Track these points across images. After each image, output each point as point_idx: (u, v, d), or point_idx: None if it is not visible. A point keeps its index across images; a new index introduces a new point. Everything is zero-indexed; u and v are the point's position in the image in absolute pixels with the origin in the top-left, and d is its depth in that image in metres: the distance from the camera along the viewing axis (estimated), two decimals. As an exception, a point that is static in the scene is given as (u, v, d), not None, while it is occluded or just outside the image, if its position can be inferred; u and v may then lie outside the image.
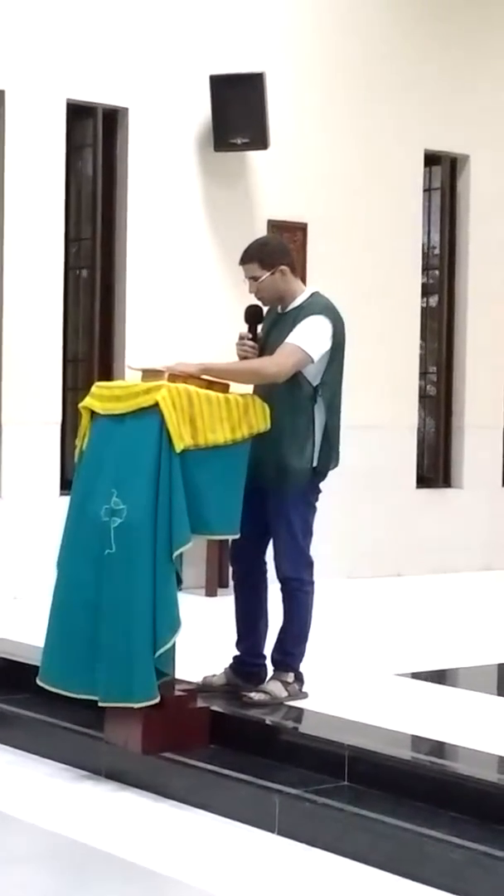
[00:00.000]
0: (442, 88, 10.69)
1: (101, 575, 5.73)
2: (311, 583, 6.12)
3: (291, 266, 6.12)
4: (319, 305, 6.05)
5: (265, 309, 6.18)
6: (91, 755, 6.05)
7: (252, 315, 6.13)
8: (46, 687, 5.94)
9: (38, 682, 5.97)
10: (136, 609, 5.60)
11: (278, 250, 6.16)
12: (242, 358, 6.07)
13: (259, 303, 6.14)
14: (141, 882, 4.91)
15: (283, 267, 6.06)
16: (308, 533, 6.11)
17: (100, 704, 5.77)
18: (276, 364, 5.90)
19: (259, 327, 6.12)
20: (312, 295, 6.12)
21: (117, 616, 5.66)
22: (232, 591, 6.34)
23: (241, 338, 6.10)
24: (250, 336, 6.09)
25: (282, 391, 5.93)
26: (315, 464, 6.01)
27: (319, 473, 6.07)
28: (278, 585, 6.11)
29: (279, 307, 6.13)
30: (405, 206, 10.57)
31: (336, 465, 6.10)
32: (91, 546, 5.77)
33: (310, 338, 5.93)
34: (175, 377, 5.81)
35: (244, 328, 6.12)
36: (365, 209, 10.31)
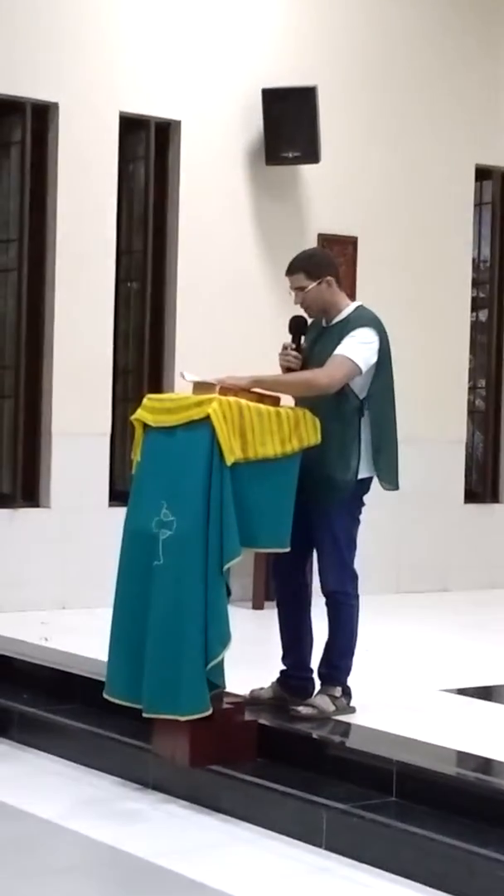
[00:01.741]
0: (493, 102, 10.67)
1: (150, 586, 5.75)
2: (356, 596, 6.12)
3: (337, 278, 6.14)
4: (366, 318, 6.07)
5: (309, 321, 6.20)
6: (139, 767, 6.06)
7: (296, 326, 6.15)
8: (110, 699, 5.95)
9: (104, 695, 5.97)
10: (186, 621, 5.62)
11: (324, 262, 6.20)
12: (286, 368, 6.09)
13: (304, 314, 6.16)
14: (187, 894, 4.92)
15: (328, 278, 6.08)
16: (352, 546, 6.11)
17: (144, 715, 5.78)
18: (328, 375, 5.91)
19: (302, 338, 6.13)
20: (358, 308, 6.15)
21: (166, 628, 5.68)
22: (278, 604, 6.35)
23: (285, 348, 6.12)
24: (294, 347, 6.11)
25: (328, 404, 5.94)
26: (360, 476, 6.01)
27: (364, 486, 6.08)
28: (323, 600, 6.11)
29: (323, 321, 6.15)
30: (456, 221, 10.56)
31: (394, 484, 6.07)
32: (141, 557, 5.79)
33: (358, 350, 5.95)
34: (226, 390, 5.83)
35: (289, 339, 6.13)
36: (415, 223, 10.30)
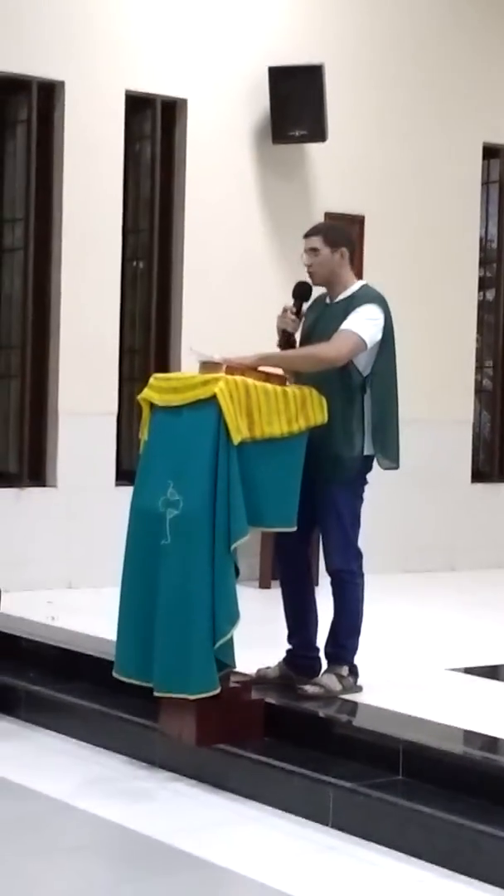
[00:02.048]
0: (500, 80, 10.63)
1: (158, 565, 5.75)
2: (362, 574, 6.12)
3: (352, 254, 6.15)
4: (371, 296, 6.09)
5: (313, 295, 6.19)
6: (146, 746, 6.07)
7: (300, 291, 6.16)
8: (120, 678, 5.95)
9: (114, 674, 5.98)
10: (194, 600, 5.62)
11: (344, 234, 6.28)
12: (281, 330, 6.09)
13: (309, 281, 6.15)
14: (195, 872, 4.93)
15: (343, 249, 6.11)
16: (356, 524, 6.12)
17: (155, 694, 5.79)
18: (335, 349, 5.92)
19: (304, 305, 6.13)
20: (363, 287, 6.17)
21: (174, 607, 5.68)
22: (284, 583, 6.35)
23: (285, 311, 6.11)
24: (294, 310, 6.10)
25: (332, 381, 5.94)
26: (364, 454, 6.02)
27: (368, 464, 6.08)
28: (328, 579, 6.12)
29: (327, 298, 6.14)
30: (463, 199, 10.52)
31: (395, 462, 6.08)
32: (148, 537, 5.80)
33: (364, 325, 5.96)
34: (233, 369, 5.83)
35: (289, 302, 6.13)
36: (422, 202, 10.27)
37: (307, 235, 6.15)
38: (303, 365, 6.01)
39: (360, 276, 9.42)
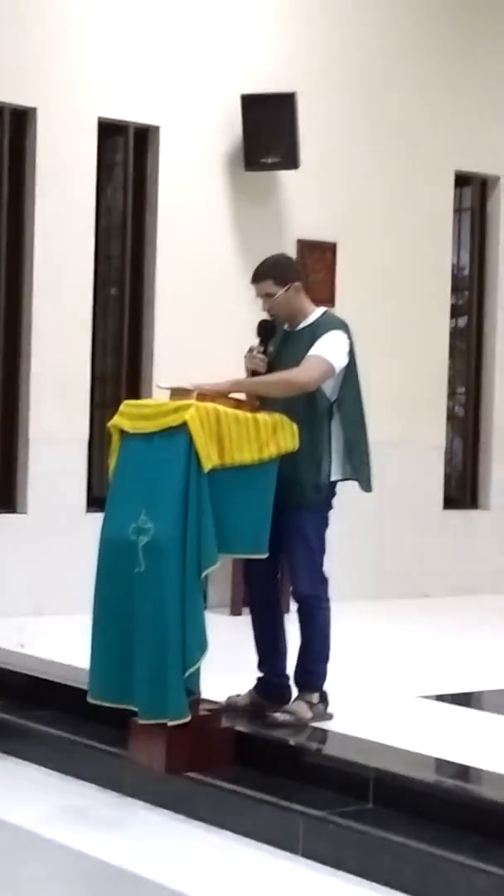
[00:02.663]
0: (473, 109, 10.68)
1: (133, 593, 5.74)
2: (328, 599, 6.12)
3: (304, 283, 6.16)
4: (336, 322, 6.12)
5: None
6: (115, 774, 6.04)
7: (265, 330, 6.16)
8: (97, 703, 5.93)
9: (89, 699, 5.95)
10: (166, 628, 5.61)
11: (291, 268, 6.24)
12: (251, 371, 6.09)
13: (270, 319, 6.16)
14: (164, 902, 4.90)
15: (296, 283, 6.11)
16: (323, 550, 6.12)
17: (140, 722, 5.76)
18: (306, 374, 5.92)
19: (270, 345, 6.13)
20: (324, 314, 6.19)
21: (150, 634, 5.68)
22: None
23: (251, 350, 6.12)
24: (261, 350, 6.11)
25: (298, 407, 5.95)
26: (332, 479, 6.02)
27: (333, 489, 6.10)
28: (294, 606, 6.11)
29: (286, 325, 6.16)
30: (435, 227, 10.56)
31: (367, 486, 6.08)
32: (120, 564, 5.79)
33: (332, 350, 5.98)
34: (203, 396, 5.82)
35: (255, 342, 6.13)
36: (394, 229, 10.30)
37: (255, 281, 6.11)
38: (275, 390, 6.01)
39: (332, 303, 9.54)
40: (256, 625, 6.21)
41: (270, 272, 6.11)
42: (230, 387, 5.94)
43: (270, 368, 6.08)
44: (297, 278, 6.14)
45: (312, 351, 5.96)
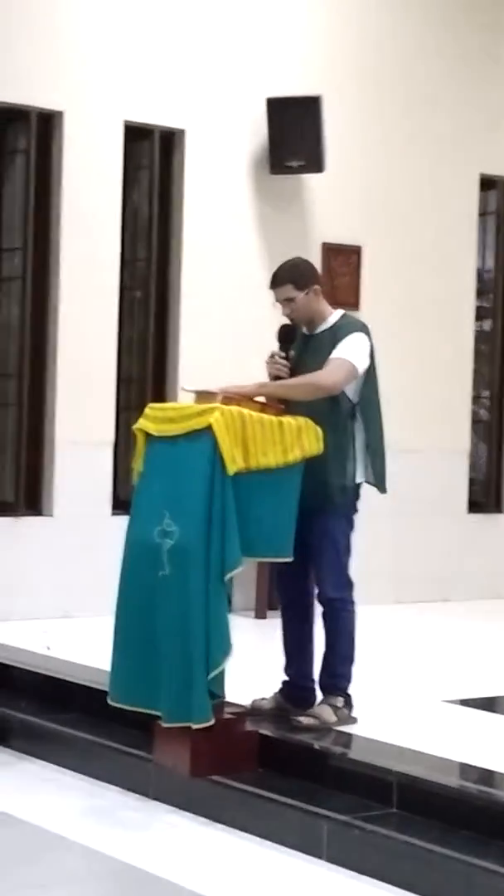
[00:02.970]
0: (498, 112, 10.67)
1: (157, 596, 5.75)
2: (353, 602, 6.12)
3: (319, 283, 6.18)
4: (357, 325, 6.13)
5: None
6: (139, 777, 6.05)
7: (286, 334, 6.16)
8: (118, 706, 5.94)
9: (109, 701, 5.97)
10: (191, 631, 5.62)
11: (309, 271, 6.23)
12: (275, 376, 6.08)
13: (291, 323, 6.16)
14: (188, 905, 4.91)
15: (315, 287, 6.13)
16: (349, 552, 6.13)
17: (163, 726, 5.77)
18: (332, 377, 5.94)
19: (291, 350, 6.13)
20: (343, 316, 6.20)
21: (174, 638, 5.69)
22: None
23: (272, 356, 6.11)
24: (283, 355, 6.10)
25: (322, 409, 5.95)
26: (356, 481, 6.03)
27: (358, 491, 6.11)
28: (319, 609, 6.11)
29: (305, 329, 6.16)
30: (460, 230, 10.55)
31: (383, 487, 6.10)
32: (145, 567, 5.80)
33: (355, 353, 5.99)
34: (229, 399, 5.83)
35: (275, 347, 6.13)
36: (419, 233, 10.30)
37: (275, 287, 6.12)
38: (300, 394, 6.01)
39: (356, 306, 9.54)
40: (287, 628, 6.22)
41: (290, 276, 6.12)
42: (256, 390, 5.95)
43: (293, 373, 6.09)
44: (317, 281, 6.16)
45: (335, 354, 5.97)
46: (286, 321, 6.18)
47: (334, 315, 6.17)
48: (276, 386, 6.02)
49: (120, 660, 5.95)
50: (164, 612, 5.73)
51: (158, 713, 5.80)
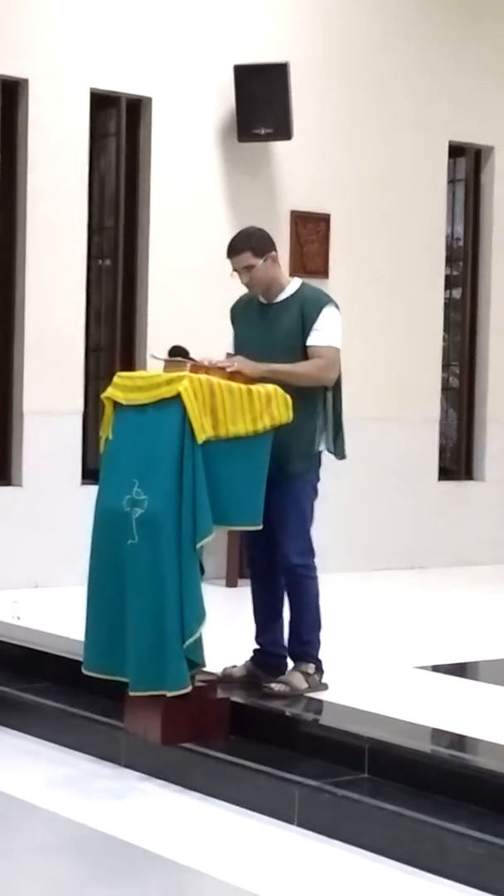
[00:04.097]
0: (466, 79, 10.65)
1: (126, 565, 5.74)
2: (315, 568, 6.13)
3: (274, 249, 6.16)
4: (325, 297, 6.13)
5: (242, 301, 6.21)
6: (111, 745, 6.05)
7: (178, 353, 6.05)
8: (91, 675, 5.94)
9: (83, 670, 5.96)
10: (164, 599, 5.61)
11: (266, 238, 6.20)
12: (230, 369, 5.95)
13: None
14: (161, 872, 4.92)
15: (273, 253, 6.11)
16: (312, 519, 6.13)
17: (130, 694, 5.77)
18: (333, 370, 5.99)
19: (190, 354, 6.02)
20: (303, 286, 6.18)
21: (144, 606, 5.68)
22: (252, 581, 6.35)
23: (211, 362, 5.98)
24: (197, 360, 5.93)
25: None
26: (322, 448, 6.06)
27: (321, 459, 6.12)
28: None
29: (262, 298, 6.14)
30: (429, 198, 10.53)
31: (342, 454, 6.10)
32: (114, 536, 5.79)
33: (336, 333, 6.03)
34: (197, 368, 5.81)
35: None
36: (388, 200, 10.27)
37: (233, 255, 6.09)
38: (305, 382, 5.97)
39: (326, 274, 9.53)
40: (257, 596, 6.22)
41: (247, 244, 6.09)
42: (266, 372, 5.89)
43: (244, 340, 6.08)
44: (273, 248, 6.14)
45: (320, 340, 5.97)
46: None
47: (293, 283, 6.15)
48: (285, 373, 5.94)
49: (92, 628, 5.95)
50: (134, 580, 5.72)
51: (126, 680, 5.79)
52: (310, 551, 6.09)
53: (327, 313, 6.02)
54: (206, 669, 5.92)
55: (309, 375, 5.98)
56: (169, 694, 5.66)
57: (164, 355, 6.07)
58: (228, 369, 5.85)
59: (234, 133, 9.49)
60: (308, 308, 6.02)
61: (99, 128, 9.27)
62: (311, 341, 5.98)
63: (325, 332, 5.99)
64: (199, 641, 5.68)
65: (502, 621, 8.32)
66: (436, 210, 10.60)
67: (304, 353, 5.99)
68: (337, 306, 6.08)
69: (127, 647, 5.75)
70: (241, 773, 5.56)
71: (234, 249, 6.10)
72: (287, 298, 6.09)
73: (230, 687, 6.08)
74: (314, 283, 6.47)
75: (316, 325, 5.98)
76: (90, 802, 5.59)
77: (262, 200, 9.62)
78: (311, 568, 6.08)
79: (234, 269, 6.10)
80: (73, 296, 9.04)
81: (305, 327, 6.00)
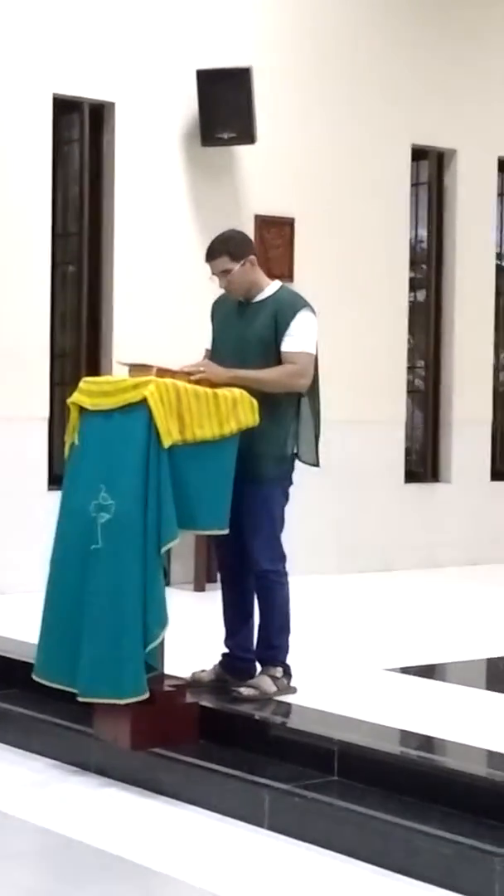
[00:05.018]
0: (429, 83, 10.68)
1: (87, 570, 5.72)
2: (286, 573, 6.13)
3: (254, 253, 6.17)
4: (301, 300, 6.11)
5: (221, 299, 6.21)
6: (80, 751, 6.04)
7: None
8: (40, 681, 5.93)
9: (33, 676, 5.95)
10: (125, 605, 5.60)
11: (244, 242, 6.22)
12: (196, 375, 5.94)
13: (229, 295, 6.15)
14: (131, 878, 4.91)
15: (251, 257, 6.11)
16: (283, 524, 6.13)
17: (79, 700, 5.76)
18: (304, 377, 5.98)
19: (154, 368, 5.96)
20: (282, 289, 6.18)
21: (104, 611, 5.66)
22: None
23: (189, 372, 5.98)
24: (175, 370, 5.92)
25: None
26: (293, 452, 6.06)
27: (293, 463, 6.12)
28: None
29: (242, 298, 6.15)
30: (392, 201, 10.56)
31: (316, 461, 6.11)
32: (78, 541, 5.77)
33: (311, 338, 6.03)
34: (163, 372, 5.81)
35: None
36: (352, 204, 10.30)
37: (210, 259, 6.08)
38: (273, 388, 5.96)
39: (291, 277, 9.54)
40: (227, 599, 6.22)
41: (225, 248, 6.09)
42: (229, 378, 5.88)
43: (223, 338, 6.08)
44: (252, 252, 6.14)
45: (294, 346, 5.96)
46: (221, 293, 6.12)
47: (272, 286, 6.15)
48: (253, 379, 5.93)
49: (45, 634, 5.93)
50: (94, 585, 5.70)
51: (75, 690, 5.76)
52: (280, 557, 6.09)
53: (301, 318, 6.02)
54: (174, 674, 5.91)
55: (277, 382, 5.98)
56: (122, 702, 5.63)
57: (130, 360, 6.06)
58: (193, 377, 5.84)
59: (197, 138, 9.49)
60: (282, 312, 6.02)
61: (62, 133, 9.26)
62: (284, 347, 5.99)
63: (298, 338, 5.99)
64: (158, 646, 5.67)
65: (470, 623, 8.36)
66: (399, 213, 10.63)
67: (277, 356, 5.99)
68: (313, 311, 6.07)
69: (80, 654, 5.71)
70: (210, 777, 5.56)
71: (212, 253, 6.10)
72: (264, 300, 6.10)
73: (199, 691, 6.08)
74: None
75: (289, 331, 5.99)
76: (59, 808, 5.58)
77: (227, 205, 9.63)
78: (281, 574, 6.09)
79: (213, 273, 6.10)
80: (37, 301, 9.02)
81: (279, 331, 6.00)
